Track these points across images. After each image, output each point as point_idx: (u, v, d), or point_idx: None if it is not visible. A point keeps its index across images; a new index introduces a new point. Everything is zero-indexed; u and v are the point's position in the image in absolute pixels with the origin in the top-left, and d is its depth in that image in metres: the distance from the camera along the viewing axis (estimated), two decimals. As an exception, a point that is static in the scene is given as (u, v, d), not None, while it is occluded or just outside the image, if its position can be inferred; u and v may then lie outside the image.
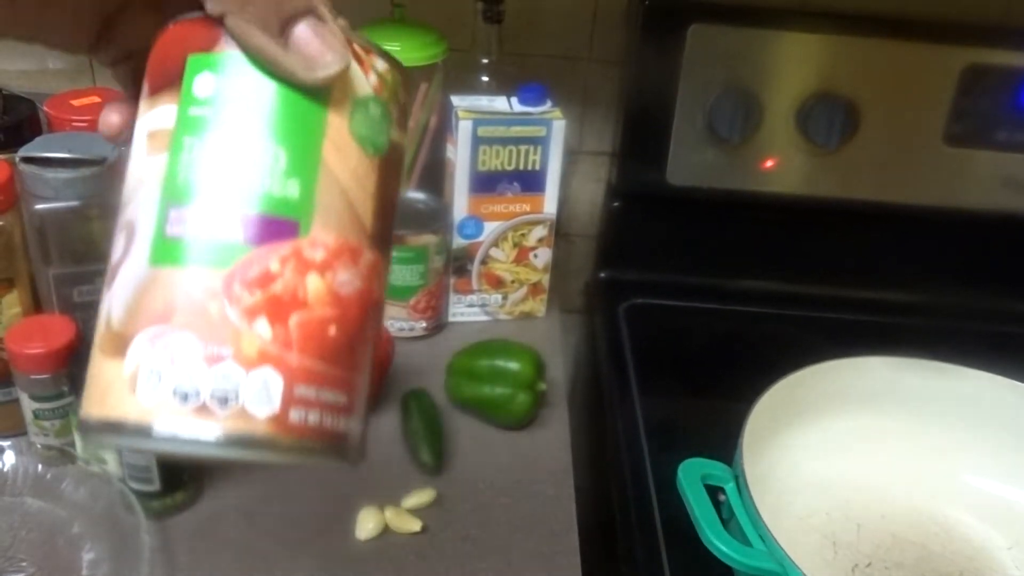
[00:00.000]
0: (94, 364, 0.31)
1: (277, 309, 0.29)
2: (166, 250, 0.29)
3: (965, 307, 0.91)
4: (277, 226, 0.29)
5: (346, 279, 0.30)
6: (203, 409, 0.28)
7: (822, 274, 0.93)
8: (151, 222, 0.30)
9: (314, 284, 0.29)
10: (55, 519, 0.60)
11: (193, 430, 0.28)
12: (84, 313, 0.66)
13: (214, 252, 0.29)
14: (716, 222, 0.92)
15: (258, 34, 0.29)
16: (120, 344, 0.30)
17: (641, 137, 0.88)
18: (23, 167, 0.63)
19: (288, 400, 0.29)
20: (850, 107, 0.83)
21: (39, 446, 0.63)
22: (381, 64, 0.32)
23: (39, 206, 0.63)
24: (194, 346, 0.28)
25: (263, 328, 0.29)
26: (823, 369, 0.68)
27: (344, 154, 0.31)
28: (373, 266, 0.32)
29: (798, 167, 0.87)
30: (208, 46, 0.30)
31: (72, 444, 0.63)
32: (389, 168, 0.32)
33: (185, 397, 0.28)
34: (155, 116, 0.31)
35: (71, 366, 0.61)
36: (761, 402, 0.63)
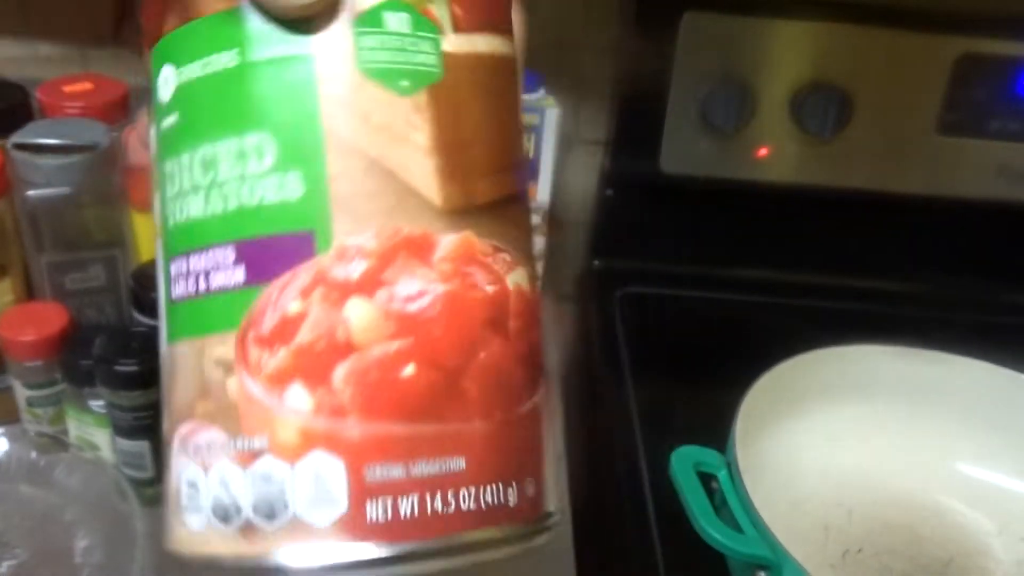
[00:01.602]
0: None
1: (312, 365, 0.20)
2: (175, 320, 0.22)
3: (958, 296, 0.91)
4: (282, 247, 0.20)
5: (415, 287, 0.20)
6: (250, 529, 0.20)
7: (815, 263, 0.93)
8: (161, 288, 0.23)
9: (359, 313, 0.20)
10: (48, 506, 0.60)
11: (244, 557, 0.20)
12: (77, 300, 0.65)
13: (217, 308, 0.21)
14: (710, 211, 0.92)
15: None
16: (167, 451, 0.23)
17: (635, 125, 0.88)
18: (15, 153, 0.63)
19: (359, 492, 0.20)
20: (844, 96, 0.83)
21: (32, 433, 0.63)
22: None
23: (31, 192, 0.63)
24: (222, 443, 0.20)
25: (299, 398, 0.20)
26: (816, 357, 0.68)
27: (357, 108, 0.20)
28: (466, 251, 0.21)
29: (792, 156, 0.87)
30: (168, 26, 0.22)
31: (65, 432, 0.63)
32: (459, 96, 0.22)
33: (226, 515, 0.20)
34: (149, 145, 0.24)
35: (64, 354, 0.60)
36: (754, 390, 0.63)
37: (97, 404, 0.60)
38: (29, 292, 0.66)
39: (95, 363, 0.58)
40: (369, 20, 0.20)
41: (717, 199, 0.91)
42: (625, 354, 0.81)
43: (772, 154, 0.87)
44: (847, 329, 0.72)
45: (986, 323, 0.86)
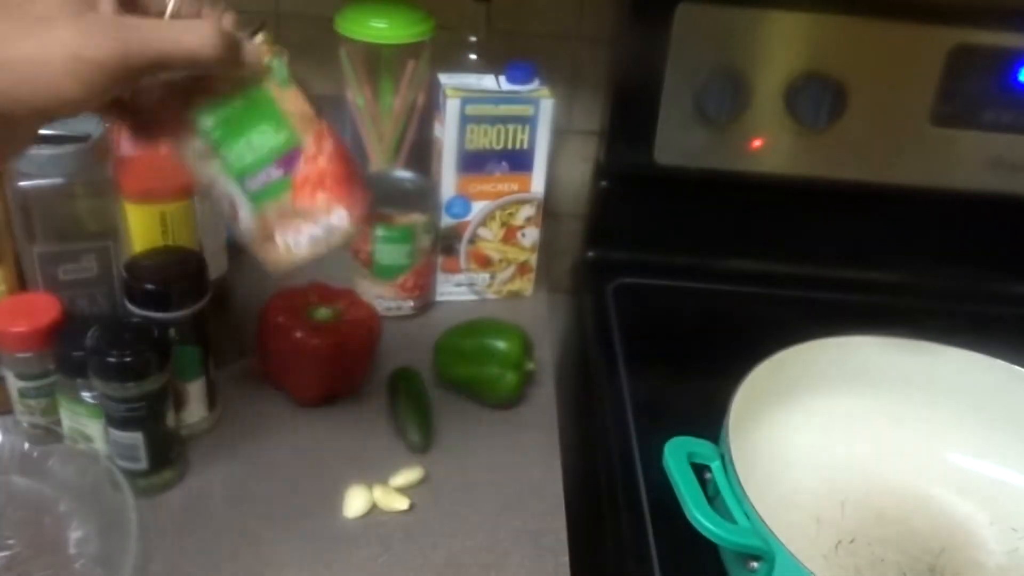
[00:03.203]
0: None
1: None
2: None
3: (950, 287, 0.91)
4: None
5: None
6: None
7: (809, 254, 0.93)
8: None
9: None
10: (42, 498, 0.60)
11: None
12: (70, 291, 0.65)
13: None
14: (704, 202, 0.92)
15: None
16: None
17: (629, 116, 0.88)
18: (6, 144, 0.62)
19: None
20: (838, 87, 0.83)
21: (25, 425, 0.63)
22: None
23: (23, 183, 0.62)
24: None
25: None
26: (809, 348, 0.69)
27: None
28: None
29: (786, 147, 0.87)
30: None
31: (58, 423, 0.63)
32: None
33: None
34: None
35: (56, 345, 0.60)
36: (747, 381, 0.63)
37: (90, 395, 0.60)
38: (21, 283, 0.66)
39: (88, 354, 0.58)
40: None
41: (711, 190, 0.91)
42: (619, 345, 0.81)
43: (766, 145, 0.87)
44: (840, 320, 0.72)
45: (978, 314, 0.86)
